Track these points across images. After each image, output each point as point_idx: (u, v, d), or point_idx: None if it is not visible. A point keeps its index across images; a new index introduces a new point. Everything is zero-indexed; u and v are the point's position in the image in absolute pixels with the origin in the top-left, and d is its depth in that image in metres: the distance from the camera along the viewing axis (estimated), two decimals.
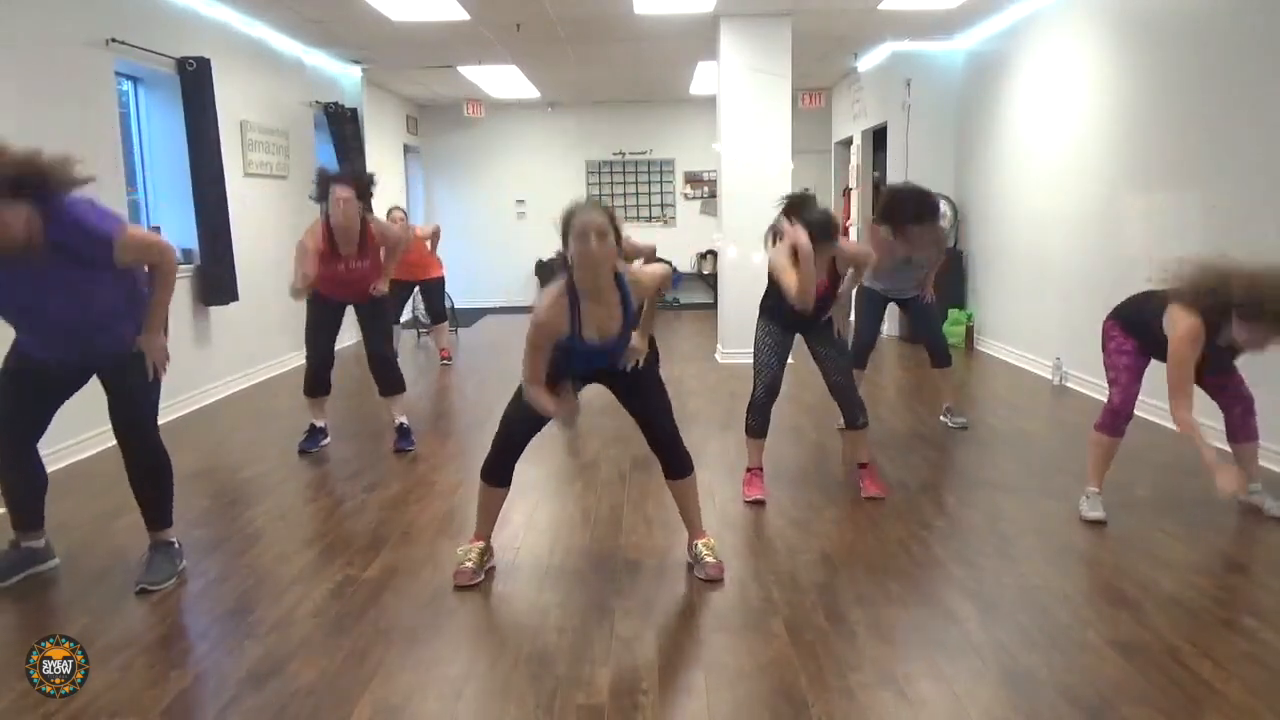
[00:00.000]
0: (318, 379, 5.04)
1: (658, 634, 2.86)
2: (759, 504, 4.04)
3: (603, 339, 3.05)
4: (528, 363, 3.02)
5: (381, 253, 4.95)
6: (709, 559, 3.30)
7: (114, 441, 3.33)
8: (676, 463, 3.32)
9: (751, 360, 4.17)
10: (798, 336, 4.16)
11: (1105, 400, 3.81)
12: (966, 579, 3.24)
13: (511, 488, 3.33)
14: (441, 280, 8.10)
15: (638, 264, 3.43)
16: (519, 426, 3.25)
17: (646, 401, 3.31)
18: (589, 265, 2.92)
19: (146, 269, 3.15)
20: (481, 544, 3.33)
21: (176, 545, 3.42)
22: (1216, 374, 3.69)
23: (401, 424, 5.14)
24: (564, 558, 3.47)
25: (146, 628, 3.00)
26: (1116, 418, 3.74)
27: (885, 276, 5.20)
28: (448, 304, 8.48)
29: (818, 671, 2.60)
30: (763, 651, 2.73)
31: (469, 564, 3.25)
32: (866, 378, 5.38)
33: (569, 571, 3.37)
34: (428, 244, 7.88)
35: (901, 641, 2.80)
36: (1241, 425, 3.77)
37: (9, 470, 3.28)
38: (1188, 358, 3.43)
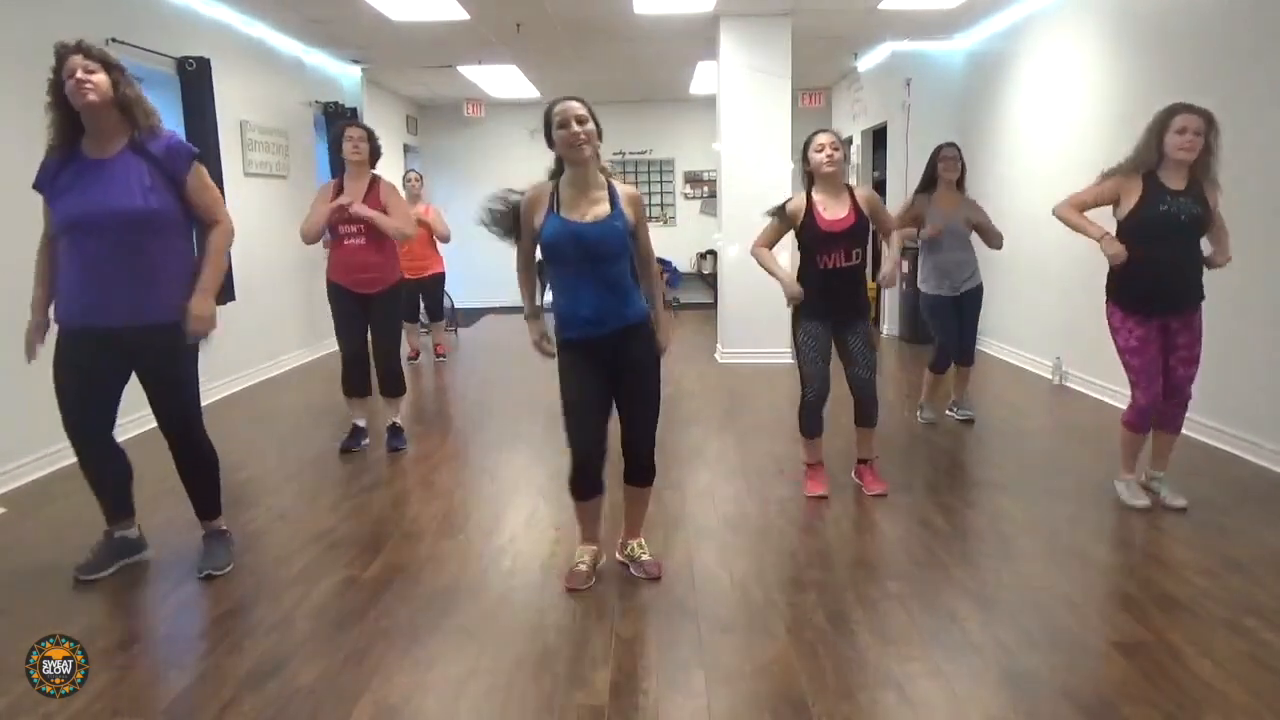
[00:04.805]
0: (355, 374, 5.01)
1: (658, 634, 2.86)
2: (822, 499, 4.07)
3: (581, 219, 3.09)
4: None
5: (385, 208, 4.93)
6: (645, 557, 3.33)
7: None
8: (640, 470, 3.27)
9: (798, 366, 4.11)
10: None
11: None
12: (966, 579, 3.24)
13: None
14: (442, 276, 7.99)
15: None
16: (584, 410, 3.09)
17: (635, 390, 3.14)
18: (574, 147, 3.05)
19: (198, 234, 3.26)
20: (594, 547, 3.32)
21: (228, 531, 3.56)
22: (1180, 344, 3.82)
23: (395, 424, 5.13)
24: (564, 558, 3.46)
25: (146, 628, 3.01)
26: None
27: (946, 269, 5.25)
28: (447, 303, 8.48)
29: (818, 671, 2.60)
30: (763, 652, 2.73)
31: (583, 567, 3.25)
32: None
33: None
34: (432, 230, 7.74)
35: (901, 641, 2.80)
36: (1170, 417, 3.92)
37: (93, 465, 3.33)
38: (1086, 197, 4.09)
